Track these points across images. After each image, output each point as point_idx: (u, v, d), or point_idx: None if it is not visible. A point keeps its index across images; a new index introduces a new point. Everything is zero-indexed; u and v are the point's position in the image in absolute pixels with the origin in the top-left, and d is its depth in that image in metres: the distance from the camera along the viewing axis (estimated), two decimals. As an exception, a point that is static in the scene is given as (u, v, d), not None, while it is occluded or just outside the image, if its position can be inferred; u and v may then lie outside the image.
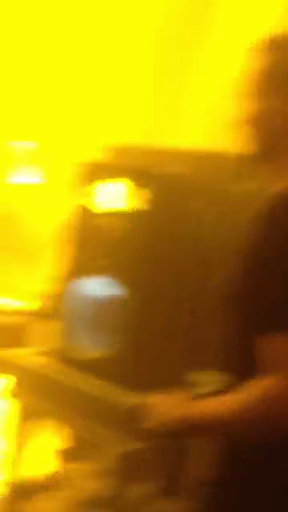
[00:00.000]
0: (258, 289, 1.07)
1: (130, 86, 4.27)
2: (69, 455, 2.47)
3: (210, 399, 1.14)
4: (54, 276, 2.65)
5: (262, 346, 1.07)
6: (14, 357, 2.15)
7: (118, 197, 1.98)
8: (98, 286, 2.02)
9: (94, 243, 2.00)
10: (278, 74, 1.32)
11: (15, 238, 3.48)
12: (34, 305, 2.79)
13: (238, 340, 1.12)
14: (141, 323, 1.91)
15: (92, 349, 2.01)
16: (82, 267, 2.05)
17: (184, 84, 4.01)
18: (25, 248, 3.37)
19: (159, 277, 1.91)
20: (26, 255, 3.32)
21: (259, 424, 1.07)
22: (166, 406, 1.18)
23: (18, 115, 4.38)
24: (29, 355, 2.16)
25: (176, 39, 4.11)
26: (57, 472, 2.43)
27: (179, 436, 1.23)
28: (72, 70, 4.64)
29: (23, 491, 2.21)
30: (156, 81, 4.25)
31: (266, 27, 1.46)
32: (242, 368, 1.11)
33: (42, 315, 2.73)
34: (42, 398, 2.06)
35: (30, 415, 2.15)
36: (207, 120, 3.36)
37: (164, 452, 1.42)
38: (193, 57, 4.01)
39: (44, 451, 3.20)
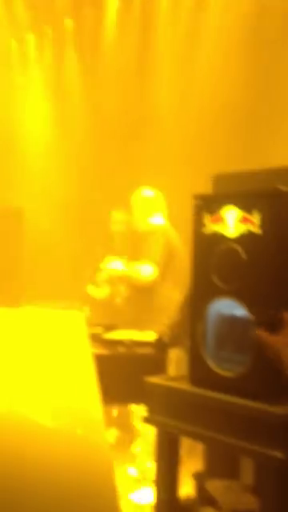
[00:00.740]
0: None
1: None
2: (210, 473, 2.55)
3: None
4: (181, 304, 2.80)
5: None
6: (149, 384, 2.27)
7: (231, 223, 2.09)
8: (224, 309, 2.13)
9: (216, 269, 2.11)
10: None
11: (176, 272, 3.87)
12: (165, 335, 2.94)
13: None
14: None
15: (222, 368, 2.10)
16: (206, 292, 2.16)
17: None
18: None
19: (282, 295, 1.99)
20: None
21: None
22: None
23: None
24: (163, 381, 2.28)
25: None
26: (200, 491, 2.51)
27: None
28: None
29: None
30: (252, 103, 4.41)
31: None
32: None
33: (172, 343, 2.88)
34: (179, 420, 2.16)
35: (169, 439, 2.25)
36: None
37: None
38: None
39: (186, 471, 3.30)
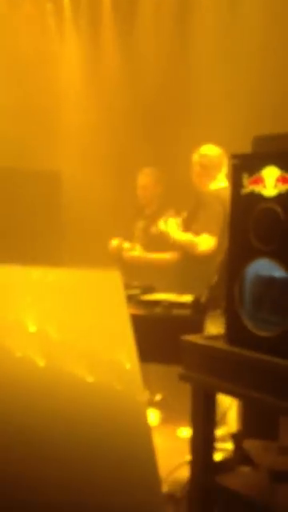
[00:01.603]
0: None
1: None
2: (249, 434, 2.58)
3: None
4: (219, 266, 2.80)
5: None
6: (185, 342, 2.30)
7: (270, 183, 2.07)
8: (261, 269, 2.12)
9: (254, 229, 2.10)
10: None
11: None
12: (203, 296, 2.94)
13: None
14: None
15: (259, 328, 2.10)
16: (243, 253, 2.16)
17: None
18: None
19: None
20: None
21: None
22: None
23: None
24: (200, 339, 2.30)
25: None
26: (237, 450, 2.54)
27: None
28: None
29: (208, 470, 2.32)
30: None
31: None
32: None
33: (210, 304, 2.89)
34: (215, 377, 2.17)
35: (205, 396, 2.27)
36: None
37: None
38: None
39: (223, 430, 3.33)
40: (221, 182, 4.04)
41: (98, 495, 2.14)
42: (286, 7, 4.50)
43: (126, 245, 4.56)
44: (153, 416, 4.50)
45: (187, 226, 4.05)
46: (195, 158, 4.11)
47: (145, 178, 4.74)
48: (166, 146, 4.85)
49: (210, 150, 4.08)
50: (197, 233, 3.95)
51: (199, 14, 5.10)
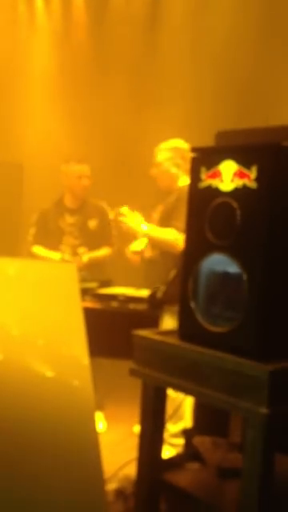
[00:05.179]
0: None
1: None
2: (200, 430, 2.56)
3: None
4: (177, 260, 2.77)
5: None
6: (137, 336, 2.26)
7: (227, 177, 2.05)
8: (216, 265, 2.10)
9: (210, 224, 2.08)
10: None
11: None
12: (161, 291, 2.92)
13: None
14: (260, 298, 1.96)
15: (212, 324, 2.07)
16: (199, 248, 2.13)
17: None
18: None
19: (277, 252, 1.95)
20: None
21: None
22: None
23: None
24: (151, 334, 2.26)
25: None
26: (187, 447, 2.52)
27: None
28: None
29: (154, 467, 2.30)
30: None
31: None
32: None
33: (166, 299, 2.86)
34: (166, 373, 2.14)
35: (155, 391, 2.24)
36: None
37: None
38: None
39: (180, 425, 3.31)
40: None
41: (42, 490, 2.11)
42: (253, 4, 4.53)
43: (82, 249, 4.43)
44: (106, 414, 4.47)
45: (164, 223, 3.92)
46: (165, 153, 3.99)
47: (88, 171, 4.58)
48: (132, 142, 4.82)
49: (181, 144, 3.99)
50: (178, 230, 3.76)
51: (168, 12, 5.09)
